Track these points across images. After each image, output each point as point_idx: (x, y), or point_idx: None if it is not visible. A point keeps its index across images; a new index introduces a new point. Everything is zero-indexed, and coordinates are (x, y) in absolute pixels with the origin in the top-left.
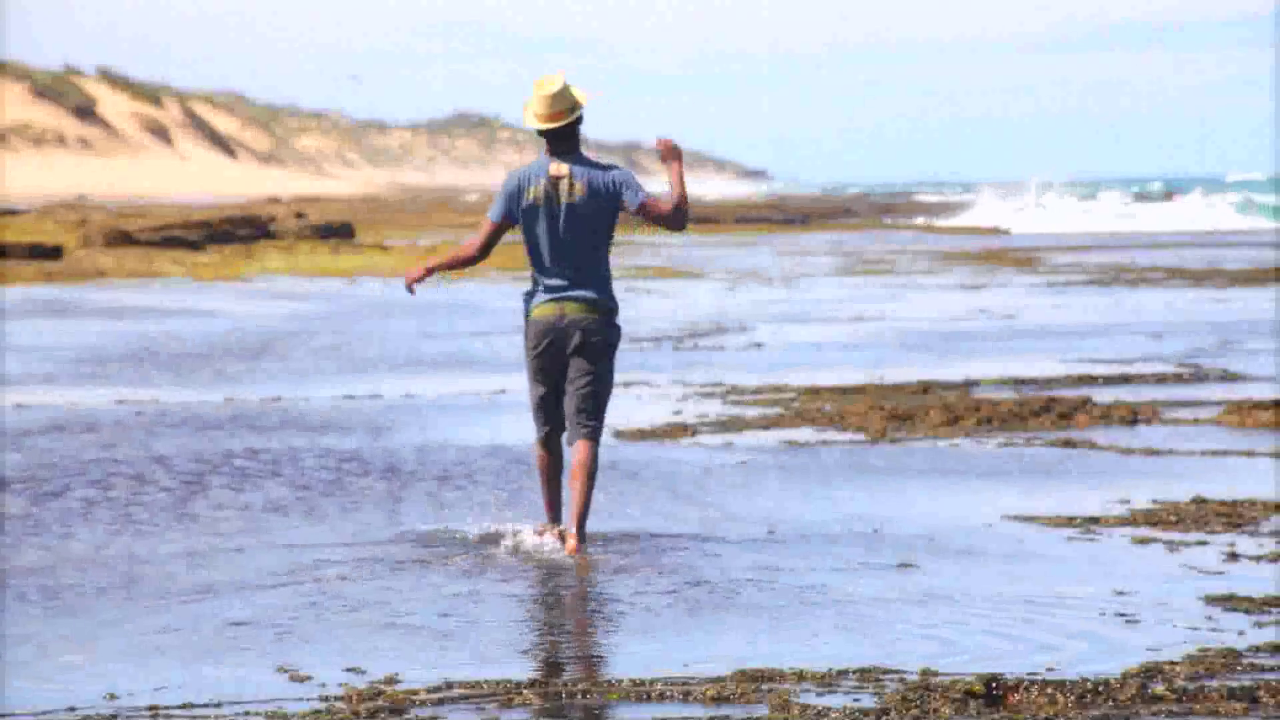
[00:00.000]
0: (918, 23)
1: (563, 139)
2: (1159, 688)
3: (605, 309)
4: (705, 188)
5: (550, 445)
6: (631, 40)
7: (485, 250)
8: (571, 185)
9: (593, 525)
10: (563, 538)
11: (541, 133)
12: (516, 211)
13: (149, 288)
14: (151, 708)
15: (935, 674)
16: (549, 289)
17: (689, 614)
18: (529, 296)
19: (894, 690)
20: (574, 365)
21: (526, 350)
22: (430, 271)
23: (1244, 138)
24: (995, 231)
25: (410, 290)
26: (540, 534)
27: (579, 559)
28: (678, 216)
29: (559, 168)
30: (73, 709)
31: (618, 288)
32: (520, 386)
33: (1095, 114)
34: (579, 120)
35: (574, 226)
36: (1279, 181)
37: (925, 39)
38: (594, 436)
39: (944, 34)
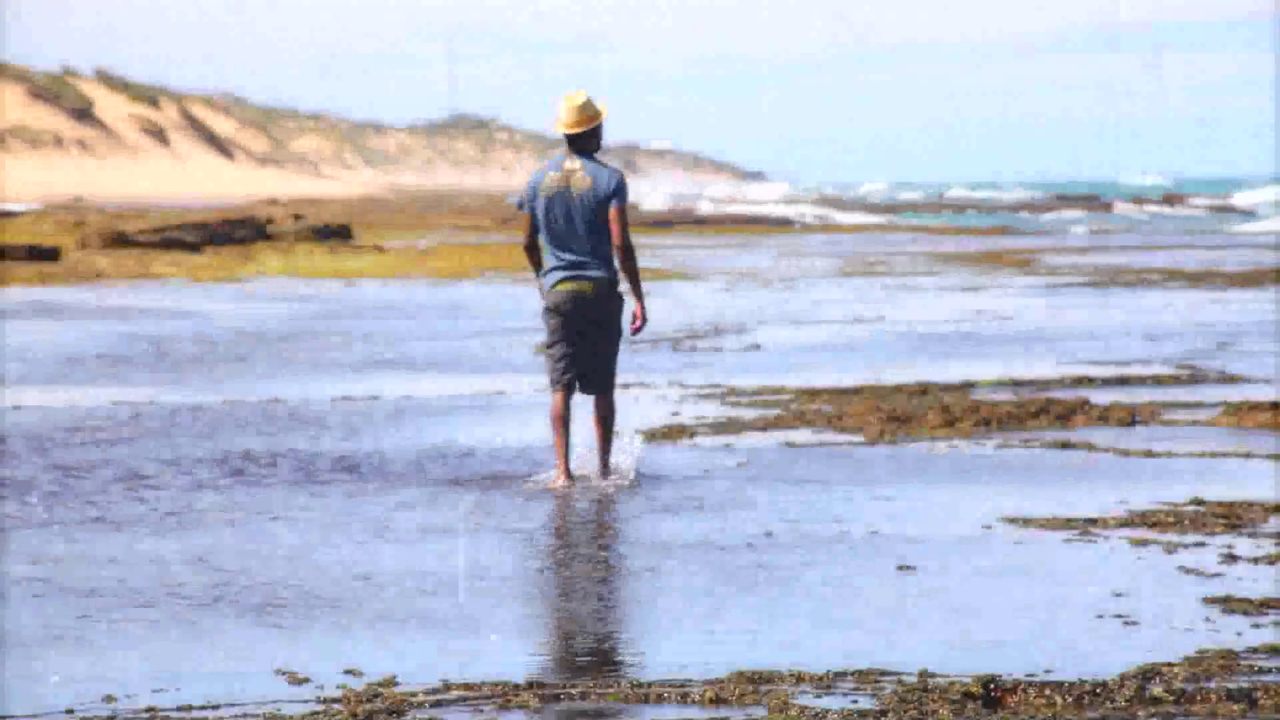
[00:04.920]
0: (918, 23)
1: (582, 143)
2: (1157, 689)
3: (612, 284)
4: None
5: (568, 394)
6: (631, 41)
7: (534, 235)
8: (582, 177)
9: (589, 526)
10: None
11: (566, 137)
12: (534, 202)
13: (147, 289)
14: (149, 709)
15: (933, 675)
16: (565, 265)
17: (686, 616)
18: (547, 272)
19: (892, 692)
20: (590, 335)
21: (547, 317)
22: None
23: (1247, 139)
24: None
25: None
26: (555, 482)
27: (607, 479)
28: (624, 244)
29: (572, 162)
30: (71, 710)
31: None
32: (515, 388)
33: (1097, 115)
34: (598, 129)
35: (582, 212)
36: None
37: (926, 39)
38: (609, 391)
39: (945, 34)
